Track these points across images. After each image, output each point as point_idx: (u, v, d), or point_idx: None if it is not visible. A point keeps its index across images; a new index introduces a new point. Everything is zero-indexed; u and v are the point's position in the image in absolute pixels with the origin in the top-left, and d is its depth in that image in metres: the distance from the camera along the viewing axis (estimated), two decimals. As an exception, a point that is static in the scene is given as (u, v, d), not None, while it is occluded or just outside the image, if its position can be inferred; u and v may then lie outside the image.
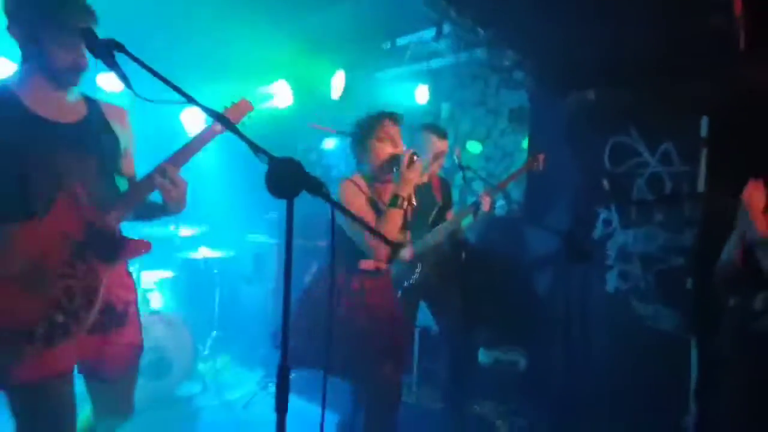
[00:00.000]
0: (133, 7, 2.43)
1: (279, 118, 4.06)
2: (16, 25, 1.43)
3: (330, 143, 5.06)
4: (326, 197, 0.98)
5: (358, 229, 1.84)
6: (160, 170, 1.48)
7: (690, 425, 2.60)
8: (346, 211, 1.01)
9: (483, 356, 3.44)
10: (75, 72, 1.45)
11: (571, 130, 3.16)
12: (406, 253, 2.49)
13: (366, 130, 2.04)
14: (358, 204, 1.92)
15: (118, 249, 1.51)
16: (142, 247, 1.54)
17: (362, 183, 2.01)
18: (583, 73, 2.97)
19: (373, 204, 1.98)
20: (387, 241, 1.03)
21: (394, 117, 2.04)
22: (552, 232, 3.21)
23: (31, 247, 1.38)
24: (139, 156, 1.75)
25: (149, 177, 1.50)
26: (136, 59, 1.23)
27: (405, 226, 2.07)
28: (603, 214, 3.05)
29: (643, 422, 2.70)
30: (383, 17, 3.44)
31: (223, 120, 1.06)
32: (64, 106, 1.50)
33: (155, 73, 1.13)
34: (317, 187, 0.96)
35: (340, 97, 4.09)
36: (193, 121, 4.71)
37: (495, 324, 3.44)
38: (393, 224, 1.86)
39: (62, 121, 1.47)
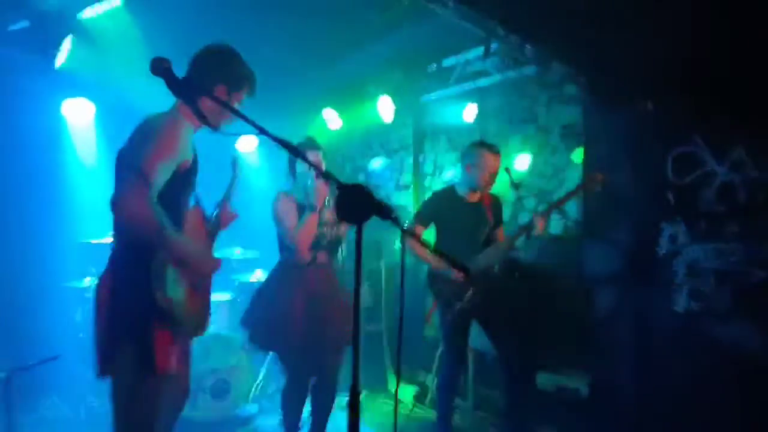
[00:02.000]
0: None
1: (329, 141, 4.19)
2: None
3: (377, 163, 5.12)
4: (396, 221, 0.99)
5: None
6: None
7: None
8: (411, 234, 1.01)
9: (542, 381, 3.30)
10: None
11: (629, 143, 3.03)
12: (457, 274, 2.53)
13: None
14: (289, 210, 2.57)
15: None
16: None
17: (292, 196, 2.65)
18: (639, 81, 2.86)
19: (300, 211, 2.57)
20: (454, 263, 1.02)
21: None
22: (613, 250, 3.07)
23: None
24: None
25: None
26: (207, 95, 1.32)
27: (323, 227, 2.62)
28: (668, 230, 2.88)
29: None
30: (429, 41, 3.49)
31: (293, 149, 1.11)
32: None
33: (234, 111, 1.20)
34: (386, 212, 0.98)
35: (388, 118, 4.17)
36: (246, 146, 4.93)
37: (554, 348, 3.30)
38: (308, 226, 2.50)
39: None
